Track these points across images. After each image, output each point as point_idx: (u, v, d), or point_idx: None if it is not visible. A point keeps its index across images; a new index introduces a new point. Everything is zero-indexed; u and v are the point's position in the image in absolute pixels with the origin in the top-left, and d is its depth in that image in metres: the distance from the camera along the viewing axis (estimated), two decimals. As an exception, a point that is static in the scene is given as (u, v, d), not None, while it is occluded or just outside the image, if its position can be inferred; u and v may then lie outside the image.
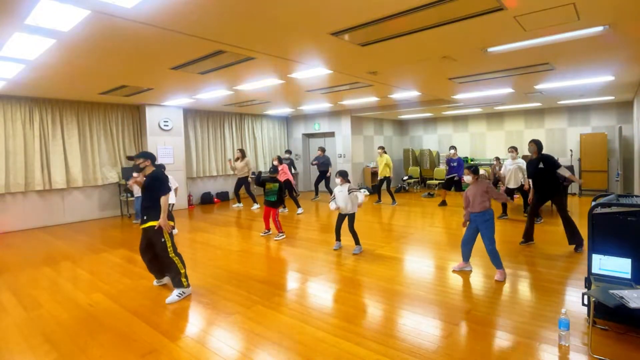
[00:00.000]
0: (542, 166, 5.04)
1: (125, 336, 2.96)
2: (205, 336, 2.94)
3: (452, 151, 9.19)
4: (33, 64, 4.75)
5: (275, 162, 8.77)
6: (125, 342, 2.86)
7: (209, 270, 4.54)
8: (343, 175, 5.14)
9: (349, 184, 5.13)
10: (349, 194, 5.02)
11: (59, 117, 7.83)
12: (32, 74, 5.30)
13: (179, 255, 3.77)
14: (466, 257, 4.29)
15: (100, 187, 8.52)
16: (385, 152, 9.41)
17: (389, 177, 9.33)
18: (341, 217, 5.21)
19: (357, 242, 5.16)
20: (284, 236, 6.10)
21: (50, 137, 7.70)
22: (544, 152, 5.22)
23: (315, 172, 10.97)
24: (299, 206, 8.61)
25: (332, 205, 5.13)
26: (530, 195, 5.30)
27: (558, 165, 5.02)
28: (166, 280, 4.08)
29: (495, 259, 4.01)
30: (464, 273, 4.22)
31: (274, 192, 6.00)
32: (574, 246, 4.97)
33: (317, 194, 10.70)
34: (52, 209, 7.83)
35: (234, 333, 2.97)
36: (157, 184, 3.71)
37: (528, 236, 5.31)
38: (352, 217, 5.13)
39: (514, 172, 7.08)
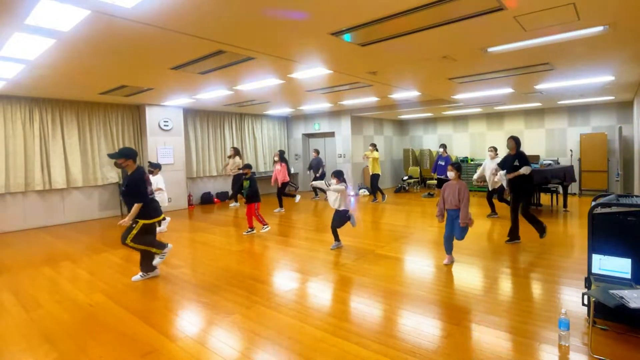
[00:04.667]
0: (516, 164, 5.13)
1: (125, 336, 2.96)
2: (205, 336, 2.94)
3: (442, 149, 9.28)
4: (33, 64, 4.75)
5: (276, 158, 8.84)
6: (125, 342, 2.86)
7: (209, 270, 4.54)
8: (338, 176, 5.19)
9: (344, 184, 5.18)
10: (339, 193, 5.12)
11: (59, 117, 7.83)
12: (32, 74, 5.29)
13: (137, 242, 4.09)
14: (450, 250, 4.59)
15: (100, 187, 8.52)
16: (376, 150, 9.64)
17: (377, 174, 9.64)
18: (336, 215, 5.28)
19: (336, 238, 5.32)
20: (268, 228, 6.38)
21: (50, 137, 7.70)
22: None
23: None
24: (280, 206, 8.72)
25: (328, 197, 5.30)
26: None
27: (528, 162, 5.14)
28: (153, 274, 4.33)
29: (451, 245, 4.51)
30: (463, 272, 4.23)
31: (246, 188, 6.26)
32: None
33: (316, 194, 10.72)
34: (52, 209, 7.83)
35: (234, 333, 2.97)
36: (133, 188, 3.99)
37: (513, 235, 5.36)
38: (343, 213, 5.19)
39: (492, 172, 7.05)
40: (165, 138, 9.23)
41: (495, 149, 7.34)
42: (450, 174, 4.45)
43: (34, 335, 3.01)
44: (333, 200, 5.18)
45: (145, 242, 4.17)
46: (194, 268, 4.66)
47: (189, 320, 3.25)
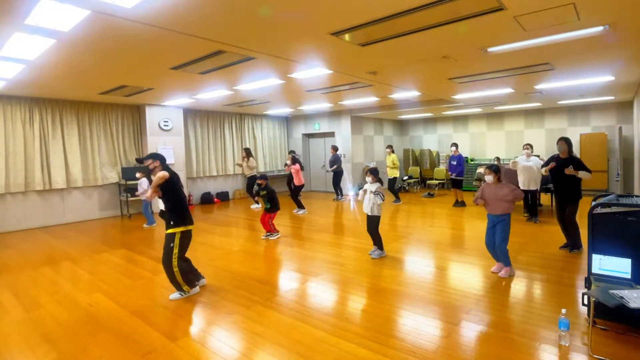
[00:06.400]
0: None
1: (125, 336, 2.96)
2: (205, 336, 2.94)
3: (454, 148, 9.04)
4: (33, 64, 4.75)
5: (289, 161, 8.76)
6: (125, 342, 2.86)
7: (209, 270, 4.54)
8: (374, 173, 4.84)
9: (379, 184, 4.84)
10: (374, 194, 4.75)
11: (59, 117, 7.83)
12: (32, 74, 5.29)
13: (180, 267, 3.68)
14: (506, 260, 4.09)
15: (100, 187, 8.52)
16: (392, 152, 9.57)
17: (396, 177, 9.54)
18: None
19: (379, 247, 4.92)
20: (279, 235, 6.15)
21: (50, 137, 7.70)
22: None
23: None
24: (302, 207, 8.58)
25: (360, 195, 4.92)
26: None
27: (587, 168, 4.71)
28: (194, 291, 3.84)
29: (504, 256, 4.04)
30: (463, 272, 4.23)
31: (265, 200, 6.02)
32: (572, 252, 4.87)
33: (337, 194, 10.35)
34: (52, 209, 7.83)
35: (234, 333, 2.97)
36: (168, 186, 3.63)
37: (575, 243, 4.90)
38: (375, 219, 4.85)
39: (528, 170, 6.53)
40: (165, 138, 9.22)
41: (531, 146, 6.71)
42: (489, 177, 4.05)
43: (34, 335, 3.01)
44: (366, 204, 4.84)
45: (183, 269, 3.71)
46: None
47: (189, 320, 3.25)
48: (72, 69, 5.06)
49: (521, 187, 6.57)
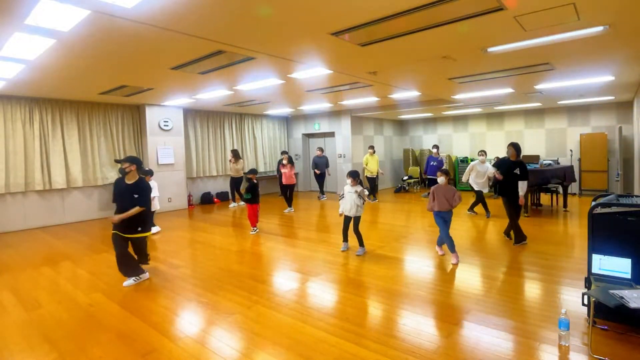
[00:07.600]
0: (517, 172, 5.22)
1: (125, 336, 2.96)
2: (205, 336, 2.94)
3: (435, 150, 9.51)
4: (33, 64, 4.75)
5: (285, 161, 8.84)
6: (125, 342, 2.86)
7: (209, 270, 4.54)
8: (354, 176, 4.95)
9: (360, 186, 4.96)
10: (358, 196, 4.88)
11: (59, 117, 7.83)
12: (32, 74, 5.29)
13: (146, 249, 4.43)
14: (452, 247, 4.66)
15: (100, 187, 8.52)
16: (373, 152, 9.90)
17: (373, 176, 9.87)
18: (347, 219, 5.07)
19: (361, 243, 5.09)
20: (257, 230, 6.52)
21: (50, 137, 7.70)
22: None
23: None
24: (289, 205, 8.78)
25: (340, 209, 5.10)
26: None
27: (526, 178, 5.24)
28: (144, 276, 4.34)
29: (451, 243, 4.64)
30: (463, 272, 4.23)
31: (247, 190, 6.40)
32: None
33: (321, 192, 10.69)
34: (52, 209, 7.83)
35: (234, 333, 2.97)
36: (140, 192, 4.21)
37: (520, 236, 5.30)
38: (357, 219, 5.01)
39: (480, 175, 7.40)
40: (165, 138, 9.22)
41: (485, 153, 7.64)
42: (441, 179, 4.66)
43: (34, 335, 3.01)
44: (349, 208, 4.96)
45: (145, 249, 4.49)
46: (194, 268, 4.66)
47: (189, 320, 3.25)
48: (72, 69, 5.06)
49: (474, 187, 7.60)
